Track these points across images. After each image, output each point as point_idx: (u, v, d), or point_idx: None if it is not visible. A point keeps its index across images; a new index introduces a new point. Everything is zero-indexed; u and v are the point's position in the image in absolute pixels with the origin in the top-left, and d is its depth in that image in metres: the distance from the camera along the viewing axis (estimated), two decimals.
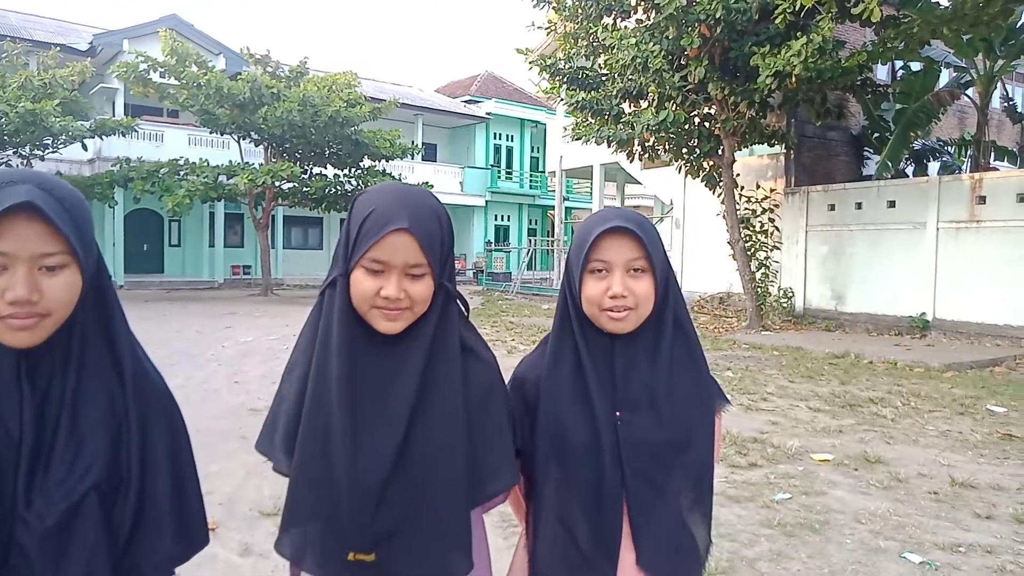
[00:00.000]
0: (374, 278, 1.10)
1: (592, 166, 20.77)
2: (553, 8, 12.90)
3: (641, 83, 11.80)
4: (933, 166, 16.43)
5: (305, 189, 18.43)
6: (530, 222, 32.70)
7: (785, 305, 13.39)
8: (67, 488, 0.96)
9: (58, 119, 15.86)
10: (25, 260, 0.92)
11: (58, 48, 18.15)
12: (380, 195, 1.15)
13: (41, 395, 0.98)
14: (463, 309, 1.22)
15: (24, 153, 16.97)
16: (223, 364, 8.44)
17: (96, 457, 0.99)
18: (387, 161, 19.73)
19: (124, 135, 18.15)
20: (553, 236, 26.67)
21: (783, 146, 13.33)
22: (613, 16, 12.55)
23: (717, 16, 10.25)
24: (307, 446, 1.12)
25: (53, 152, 17.46)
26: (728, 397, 1.38)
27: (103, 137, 18.04)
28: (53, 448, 0.97)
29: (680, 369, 1.28)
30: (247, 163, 18.45)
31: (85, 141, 17.40)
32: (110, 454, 1.00)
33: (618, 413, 1.25)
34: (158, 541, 1.04)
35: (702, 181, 13.19)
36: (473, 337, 1.23)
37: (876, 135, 14.88)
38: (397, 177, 19.86)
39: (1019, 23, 12.42)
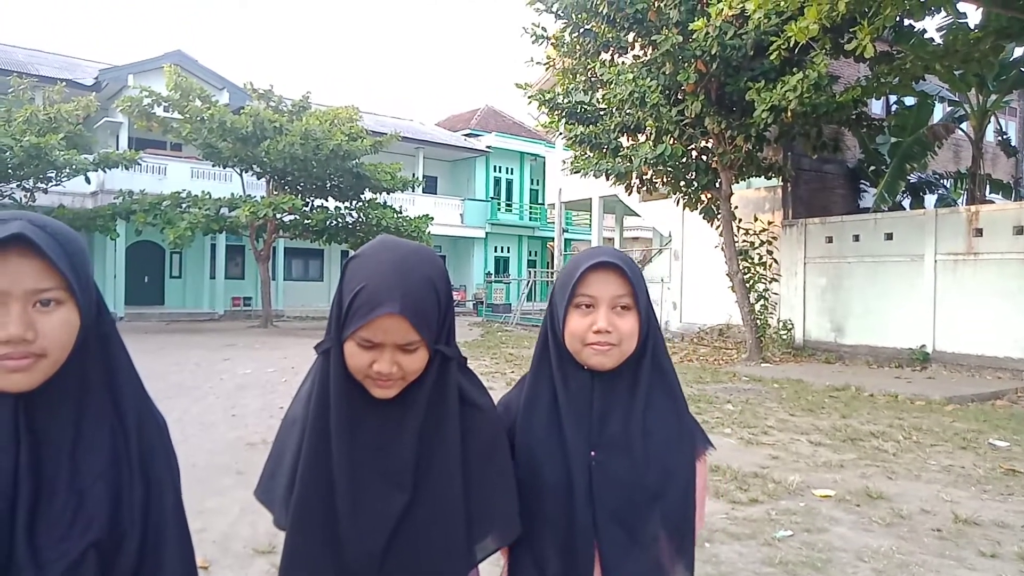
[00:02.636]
0: (367, 352, 1.09)
1: (591, 198, 20.91)
2: (552, 44, 13.12)
3: (639, 117, 11.95)
4: (929, 199, 16.54)
5: (306, 221, 18.53)
6: (530, 254, 32.81)
7: (785, 337, 13.37)
8: (67, 546, 0.92)
9: (62, 153, 16.01)
10: (19, 297, 0.89)
11: (64, 83, 18.39)
12: (373, 266, 1.10)
13: (38, 445, 0.93)
14: (461, 362, 1.21)
15: (28, 186, 17.09)
16: (221, 397, 8.40)
17: (97, 511, 0.94)
18: (388, 193, 19.88)
19: (127, 168, 18.30)
20: (553, 268, 26.74)
21: (780, 179, 13.45)
22: (611, 52, 12.77)
23: (713, 52, 10.42)
24: (306, 505, 1.11)
25: (56, 185, 17.58)
26: (711, 440, 1.37)
27: (106, 170, 18.18)
28: (52, 502, 0.92)
29: (659, 411, 1.26)
30: (249, 196, 18.59)
31: (88, 174, 17.54)
32: (111, 508, 0.96)
33: (592, 453, 1.23)
34: None
35: (700, 213, 13.27)
36: (473, 387, 1.22)
37: (872, 168, 15.02)
38: (398, 209, 20.00)
39: (1010, 59, 12.63)
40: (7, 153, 15.37)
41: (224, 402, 8.09)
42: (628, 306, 1.23)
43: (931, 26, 12.74)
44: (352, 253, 1.19)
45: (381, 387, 1.10)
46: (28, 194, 17.23)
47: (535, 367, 1.32)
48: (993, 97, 13.60)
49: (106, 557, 0.95)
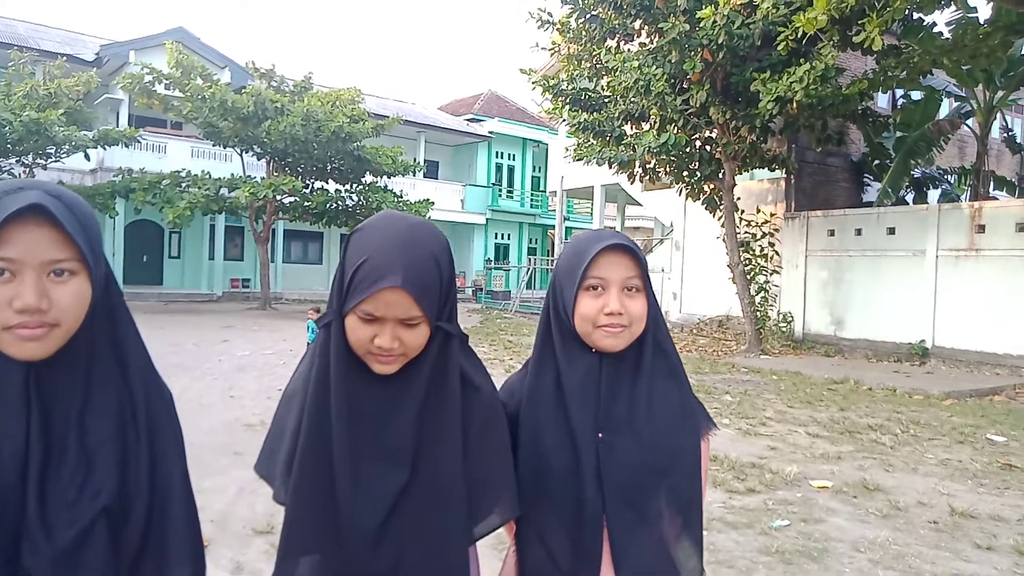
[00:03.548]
0: (368, 326, 1.07)
1: (593, 186, 20.85)
2: (557, 30, 13.01)
3: (643, 106, 11.88)
4: (933, 194, 16.51)
5: (306, 203, 18.47)
6: (530, 241, 32.76)
7: (784, 329, 13.38)
8: (78, 511, 0.92)
9: (62, 129, 15.92)
10: (34, 267, 0.89)
11: (64, 58, 18.26)
12: (376, 239, 1.09)
13: (48, 411, 0.94)
14: (462, 340, 1.20)
15: (27, 162, 17.02)
16: (219, 378, 8.39)
17: (105, 478, 0.95)
18: (389, 177, 19.79)
19: (127, 146, 18.23)
20: (553, 255, 26.72)
21: (784, 171, 13.40)
22: (616, 39, 12.67)
23: (720, 41, 10.34)
24: (305, 481, 1.10)
25: (56, 161, 17.50)
26: (715, 421, 1.36)
27: (106, 147, 18.12)
28: (61, 468, 0.93)
29: (663, 391, 1.26)
30: (249, 176, 18.50)
31: (88, 151, 17.45)
32: (119, 474, 0.97)
33: (600, 435, 1.23)
34: (172, 564, 1.01)
35: (702, 204, 13.24)
36: (474, 367, 1.21)
37: (876, 162, 14.97)
38: (399, 194, 19.93)
39: (1019, 55, 12.55)
40: (6, 128, 15.28)
41: (222, 383, 8.09)
42: (638, 288, 1.23)
43: (940, 20, 12.64)
44: (356, 227, 1.16)
45: (382, 363, 1.09)
46: (27, 170, 17.15)
47: (538, 351, 1.31)
48: (1000, 93, 13.53)
49: (115, 523, 0.96)
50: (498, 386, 1.26)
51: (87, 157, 17.93)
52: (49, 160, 17.23)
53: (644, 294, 1.23)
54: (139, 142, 18.73)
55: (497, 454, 1.20)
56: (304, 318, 16.30)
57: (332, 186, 19.32)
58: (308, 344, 9.50)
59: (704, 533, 3.92)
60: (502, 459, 1.21)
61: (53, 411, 0.94)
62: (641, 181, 13.44)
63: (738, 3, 9.93)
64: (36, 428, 0.92)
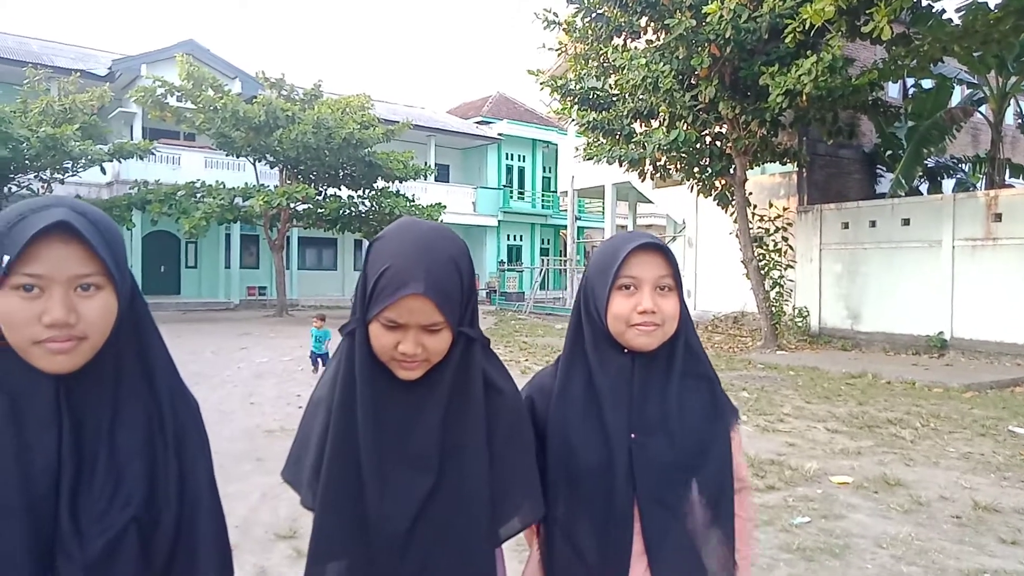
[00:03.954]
0: (391, 333, 1.09)
1: (604, 186, 20.82)
2: (564, 30, 13.02)
3: (652, 103, 11.86)
4: (947, 183, 16.34)
5: (320, 210, 18.60)
6: (542, 241, 32.75)
7: (800, 324, 13.29)
8: (108, 521, 0.95)
9: (78, 143, 16.14)
10: (61, 282, 0.92)
11: (78, 74, 18.50)
12: (397, 246, 1.12)
13: (79, 424, 0.97)
14: (484, 344, 1.22)
15: (45, 177, 17.27)
16: (238, 385, 8.48)
17: (135, 488, 0.98)
18: (400, 182, 19.89)
19: (142, 158, 18.44)
20: (566, 255, 26.70)
21: (795, 164, 13.32)
22: (623, 37, 12.65)
23: (727, 36, 10.30)
24: (333, 487, 1.13)
25: (73, 176, 17.74)
26: (740, 414, 1.38)
27: (121, 160, 18.35)
28: (92, 479, 0.96)
29: (694, 390, 1.28)
30: (262, 185, 18.67)
31: (104, 164, 17.68)
32: (148, 484, 1.00)
33: (633, 435, 1.25)
34: (201, 572, 1.04)
35: (714, 200, 13.18)
36: (496, 370, 1.23)
37: (888, 153, 14.82)
38: (411, 198, 20.01)
39: None
40: (24, 144, 15.51)
41: (242, 390, 8.17)
42: (671, 287, 1.25)
43: (950, 7, 12.52)
44: (376, 235, 1.19)
45: (406, 368, 1.11)
46: (45, 185, 17.40)
47: (568, 350, 1.33)
48: (1013, 79, 13.35)
49: (145, 532, 0.99)
50: (520, 387, 1.28)
51: (103, 171, 18.17)
52: (66, 174, 17.46)
53: (676, 293, 1.25)
54: (153, 154, 18.94)
55: (522, 457, 1.22)
56: None
57: (345, 192, 19.45)
58: (312, 352, 8.89)
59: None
60: (526, 462, 1.22)
61: (84, 424, 0.97)
62: (652, 179, 13.40)
63: None
64: (68, 441, 0.95)
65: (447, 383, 1.14)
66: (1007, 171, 14.75)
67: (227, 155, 19.30)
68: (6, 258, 0.89)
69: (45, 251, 0.91)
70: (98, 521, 0.95)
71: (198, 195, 18.11)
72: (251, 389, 8.21)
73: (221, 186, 18.23)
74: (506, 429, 1.19)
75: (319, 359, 9.27)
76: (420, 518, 1.12)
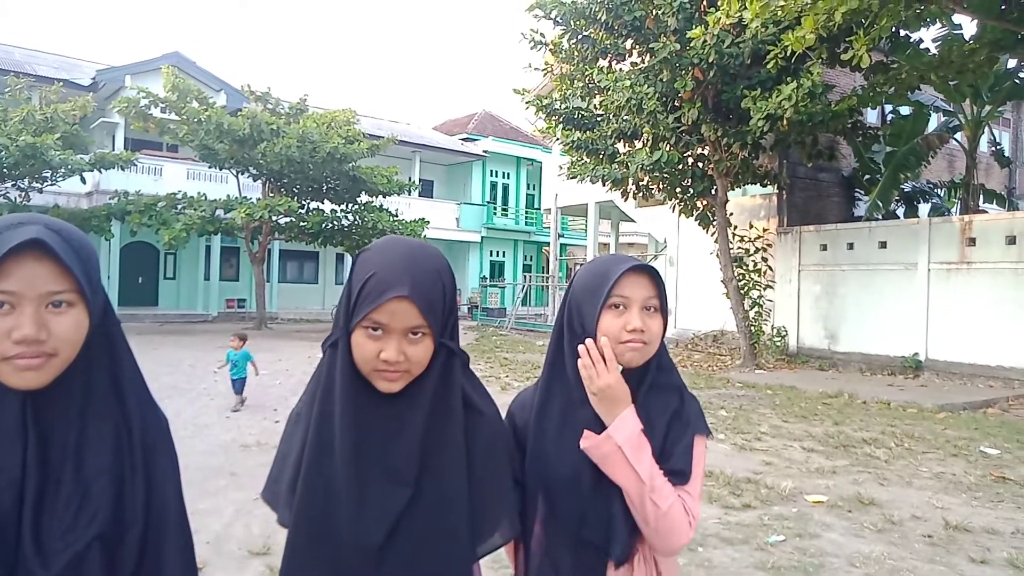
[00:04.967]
0: (375, 340, 1.10)
1: (587, 204, 20.96)
2: (550, 50, 13.18)
3: (635, 124, 12.00)
4: (923, 208, 16.64)
5: (302, 224, 18.52)
6: (525, 258, 32.83)
7: (779, 344, 13.42)
8: (72, 537, 0.94)
9: (58, 153, 15.97)
10: (32, 299, 0.92)
11: (61, 83, 18.35)
12: (382, 256, 1.14)
13: (45, 440, 0.96)
14: (464, 362, 1.23)
15: (23, 186, 17.05)
16: (215, 398, 8.39)
17: (101, 505, 0.97)
18: (384, 197, 19.88)
19: (123, 169, 18.27)
20: (548, 272, 26.77)
21: (775, 186, 13.52)
22: (608, 59, 12.83)
23: (710, 60, 10.49)
24: (308, 501, 1.12)
25: (52, 185, 17.55)
26: (711, 431, 1.40)
27: (102, 171, 18.15)
28: (57, 495, 0.95)
29: (663, 398, 1.32)
30: (245, 197, 18.57)
31: (84, 174, 17.50)
32: (114, 502, 0.99)
33: None
34: None
35: (696, 220, 13.33)
36: (476, 391, 1.24)
37: (867, 177, 15.10)
38: (394, 213, 20.00)
39: (1004, 70, 12.73)
40: (2, 152, 15.33)
41: (218, 403, 8.08)
42: (657, 308, 1.30)
43: (927, 37, 12.82)
44: (362, 248, 1.21)
45: (387, 379, 1.12)
46: (23, 194, 17.18)
47: (548, 366, 1.37)
48: (987, 108, 13.70)
49: (110, 549, 0.98)
50: (501, 403, 1.30)
51: (83, 180, 17.96)
52: (45, 184, 17.26)
53: (661, 314, 1.31)
54: (135, 165, 18.75)
55: (500, 475, 1.23)
56: (299, 338, 16.30)
57: (328, 206, 19.40)
58: (232, 379, 7.73)
59: (699, 549, 3.89)
60: (504, 481, 1.24)
61: (50, 440, 0.96)
62: (635, 198, 13.54)
63: (728, 23, 10.06)
64: (33, 456, 0.94)
65: (428, 397, 1.14)
66: (981, 197, 15.07)
67: (210, 167, 19.19)
68: None
69: (17, 268, 0.91)
70: (61, 538, 0.94)
71: (179, 206, 17.96)
72: (228, 403, 8.12)
73: (203, 198, 18.10)
74: (485, 448, 1.20)
75: (242, 384, 7.88)
76: (396, 532, 1.11)
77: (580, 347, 1.28)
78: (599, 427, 1.27)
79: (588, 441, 1.25)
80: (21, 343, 0.91)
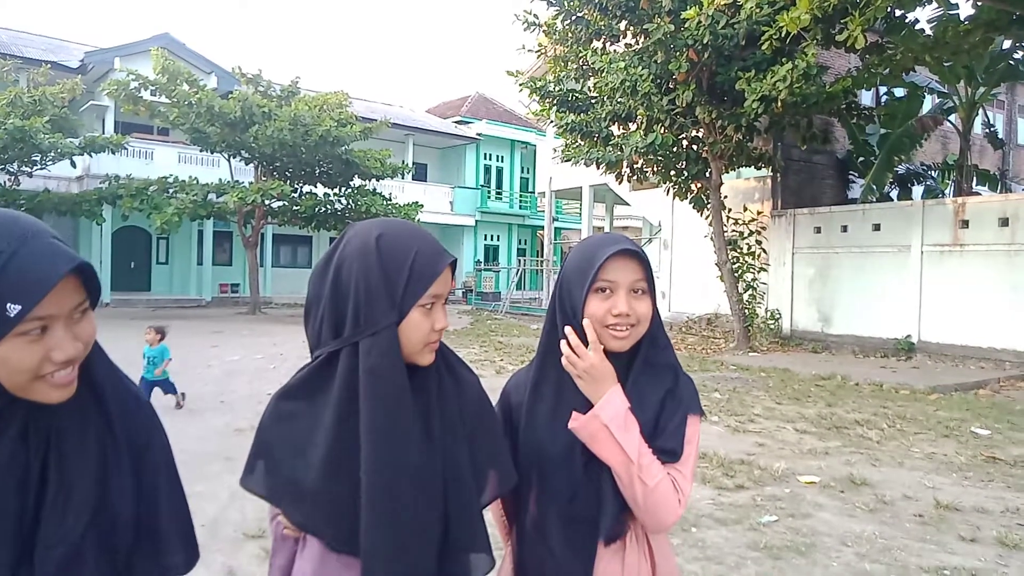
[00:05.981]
0: (427, 316, 1.15)
1: (581, 187, 20.92)
2: (544, 32, 13.06)
3: (630, 106, 11.94)
4: (917, 190, 16.67)
5: (295, 208, 18.42)
6: (519, 242, 32.78)
7: (772, 326, 13.47)
8: (65, 529, 0.94)
9: (47, 136, 15.81)
10: (63, 317, 0.90)
11: (49, 65, 18.13)
12: (409, 237, 1.17)
13: (44, 442, 0.96)
14: None
15: (12, 170, 16.89)
16: (209, 383, 8.37)
17: (87, 497, 0.97)
18: (377, 180, 19.77)
19: (114, 152, 18.11)
20: (542, 256, 26.76)
21: (770, 169, 13.50)
22: (603, 40, 12.72)
23: (705, 41, 10.41)
24: (387, 495, 1.11)
25: (41, 169, 17.39)
26: (712, 415, 1.40)
27: (92, 154, 17.98)
28: (43, 493, 0.95)
29: (657, 375, 1.32)
30: (237, 181, 18.44)
31: (74, 158, 17.34)
32: (100, 490, 0.98)
33: None
34: (164, 553, 1.04)
35: (690, 203, 13.31)
36: (455, 357, 1.28)
37: (861, 159, 15.10)
38: (387, 196, 19.92)
39: (999, 51, 12.70)
40: None
41: (213, 388, 8.07)
42: (644, 290, 1.29)
43: (922, 17, 12.78)
44: (371, 236, 1.18)
45: (431, 349, 1.18)
46: (12, 178, 17.02)
47: (542, 346, 1.37)
48: (981, 89, 13.69)
49: (103, 536, 0.98)
50: (496, 386, 1.32)
51: (73, 164, 17.80)
52: (34, 168, 17.11)
53: (649, 296, 1.30)
54: (126, 148, 18.60)
55: (493, 428, 1.27)
56: (293, 323, 16.27)
57: (320, 190, 19.28)
58: (143, 379, 6.46)
59: (693, 530, 3.92)
60: (497, 433, 1.28)
61: (47, 440, 0.96)
62: (629, 181, 13.50)
63: (722, 3, 10.00)
64: (34, 458, 0.94)
65: (440, 362, 1.21)
66: (974, 178, 15.11)
67: (201, 151, 19.02)
68: (14, 307, 0.84)
69: (53, 294, 0.87)
70: (55, 530, 0.94)
71: (171, 190, 17.82)
72: (222, 387, 8.12)
73: (195, 182, 17.96)
74: (475, 406, 1.24)
75: (153, 388, 6.43)
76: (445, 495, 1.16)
77: (562, 340, 1.28)
78: (590, 407, 1.27)
79: (576, 422, 1.25)
80: (67, 364, 0.91)
